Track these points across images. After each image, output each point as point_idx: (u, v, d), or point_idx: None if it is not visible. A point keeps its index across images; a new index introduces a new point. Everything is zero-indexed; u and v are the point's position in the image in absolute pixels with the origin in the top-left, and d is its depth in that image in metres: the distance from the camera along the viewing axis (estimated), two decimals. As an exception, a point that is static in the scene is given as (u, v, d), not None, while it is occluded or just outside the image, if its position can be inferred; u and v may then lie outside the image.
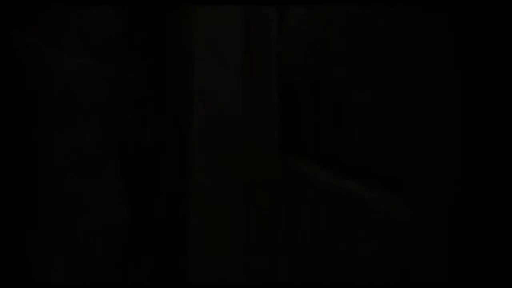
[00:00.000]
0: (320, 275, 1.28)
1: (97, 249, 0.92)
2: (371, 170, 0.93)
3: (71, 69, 0.89)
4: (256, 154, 1.33)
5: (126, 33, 1.32)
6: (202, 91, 1.39)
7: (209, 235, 1.38)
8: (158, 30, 1.62)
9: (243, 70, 1.36)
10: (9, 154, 0.78)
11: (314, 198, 1.31)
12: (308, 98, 1.30)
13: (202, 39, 1.39)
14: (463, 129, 0.33)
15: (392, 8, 0.56)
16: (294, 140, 1.36)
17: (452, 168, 0.34)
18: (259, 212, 1.32)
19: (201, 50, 1.39)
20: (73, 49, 0.98)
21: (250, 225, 1.35)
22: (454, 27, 0.32)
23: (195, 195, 1.38)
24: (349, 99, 1.16)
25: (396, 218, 0.57)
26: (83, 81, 0.94)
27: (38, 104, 0.85)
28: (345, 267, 1.26)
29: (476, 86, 0.33)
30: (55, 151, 0.86)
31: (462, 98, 0.34)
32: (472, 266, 0.34)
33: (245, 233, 1.36)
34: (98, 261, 0.92)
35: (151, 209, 1.02)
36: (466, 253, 0.34)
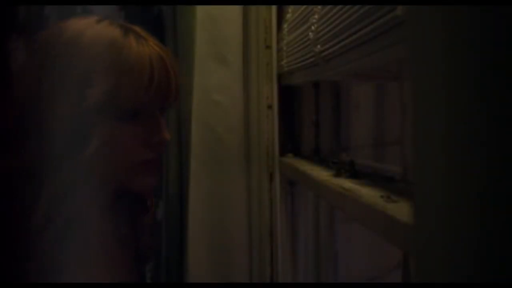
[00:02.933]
0: (321, 274, 1.28)
1: None
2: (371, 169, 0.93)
3: None
4: (256, 153, 1.34)
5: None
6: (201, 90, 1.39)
7: (207, 231, 1.38)
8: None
9: (243, 71, 1.36)
10: None
11: (314, 197, 1.31)
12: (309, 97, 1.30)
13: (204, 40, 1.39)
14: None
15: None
16: (294, 140, 1.36)
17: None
18: (260, 209, 1.32)
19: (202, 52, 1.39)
20: None
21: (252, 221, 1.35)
22: None
23: (192, 195, 1.38)
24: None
25: (398, 220, 0.57)
26: None
27: None
28: (345, 266, 1.26)
29: None
30: None
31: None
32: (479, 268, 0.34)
33: (247, 229, 1.37)
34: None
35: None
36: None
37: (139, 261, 0.93)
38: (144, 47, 0.79)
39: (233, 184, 1.37)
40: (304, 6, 1.05)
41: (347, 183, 0.81)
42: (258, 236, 1.33)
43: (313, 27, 0.96)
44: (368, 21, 0.69)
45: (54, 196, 0.75)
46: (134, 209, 0.90)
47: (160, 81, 0.78)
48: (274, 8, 1.31)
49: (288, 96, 1.34)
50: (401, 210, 0.59)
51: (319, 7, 0.94)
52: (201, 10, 1.37)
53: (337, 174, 0.91)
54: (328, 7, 0.87)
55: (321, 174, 0.94)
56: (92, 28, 0.78)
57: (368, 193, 0.71)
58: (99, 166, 0.77)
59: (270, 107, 1.29)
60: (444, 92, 0.35)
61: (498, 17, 0.31)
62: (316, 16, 0.95)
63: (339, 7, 0.81)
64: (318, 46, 0.93)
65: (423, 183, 0.39)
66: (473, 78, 0.33)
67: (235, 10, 1.37)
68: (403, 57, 0.64)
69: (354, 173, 0.89)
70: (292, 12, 1.19)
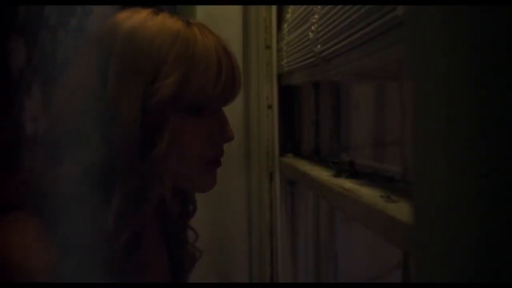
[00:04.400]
0: (321, 274, 1.28)
1: None
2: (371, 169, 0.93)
3: None
4: (256, 153, 1.33)
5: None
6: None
7: (207, 231, 1.38)
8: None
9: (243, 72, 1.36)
10: None
11: (314, 197, 1.31)
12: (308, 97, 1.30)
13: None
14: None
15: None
16: (293, 139, 1.36)
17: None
18: (260, 208, 1.32)
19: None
20: None
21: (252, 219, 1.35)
22: None
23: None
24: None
25: (398, 220, 0.57)
26: None
27: None
28: (345, 266, 1.26)
29: None
30: None
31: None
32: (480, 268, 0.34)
33: (247, 227, 1.37)
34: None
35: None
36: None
37: (182, 269, 0.89)
38: (208, 38, 0.75)
39: (233, 184, 1.37)
40: (304, 6, 1.05)
41: (347, 183, 0.81)
42: (258, 236, 1.33)
43: (313, 27, 0.96)
44: (368, 21, 0.69)
45: (123, 203, 0.71)
46: (182, 212, 0.86)
47: (227, 74, 0.75)
48: (274, 8, 1.31)
49: (288, 96, 1.34)
50: (401, 210, 0.59)
51: (319, 7, 0.94)
52: (201, 10, 1.37)
53: (337, 174, 0.91)
54: (328, 7, 0.87)
55: (321, 174, 0.94)
56: (152, 19, 0.75)
57: (368, 193, 0.71)
58: (169, 163, 0.73)
59: (270, 107, 1.29)
60: (444, 92, 0.35)
61: (498, 17, 0.31)
62: (316, 16, 0.95)
63: (339, 7, 0.81)
64: (318, 46, 0.93)
65: (423, 183, 0.39)
66: (473, 78, 0.33)
67: (235, 10, 1.37)
68: (403, 57, 0.64)
69: (354, 173, 0.89)
70: (292, 12, 1.19)
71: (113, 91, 0.71)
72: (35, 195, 0.72)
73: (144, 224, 0.75)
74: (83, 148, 0.71)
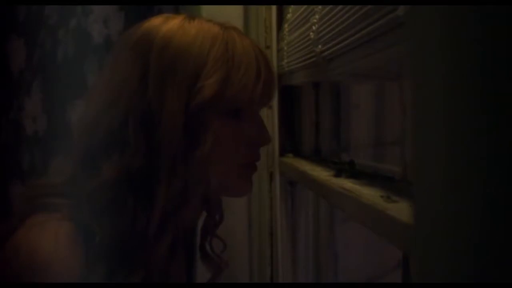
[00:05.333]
0: (321, 274, 1.28)
1: None
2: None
3: None
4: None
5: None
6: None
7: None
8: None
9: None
10: None
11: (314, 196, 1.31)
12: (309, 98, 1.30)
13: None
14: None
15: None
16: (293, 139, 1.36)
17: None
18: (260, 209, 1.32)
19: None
20: None
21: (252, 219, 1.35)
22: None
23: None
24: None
25: (398, 220, 0.57)
26: None
27: None
28: (345, 266, 1.26)
29: None
30: None
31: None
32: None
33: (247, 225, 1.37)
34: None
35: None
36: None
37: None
38: (246, 41, 0.75)
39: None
40: (305, 6, 1.05)
41: (347, 183, 0.81)
42: (258, 236, 1.33)
43: (314, 27, 0.96)
44: (369, 21, 0.69)
45: (166, 206, 0.70)
46: (209, 221, 0.84)
47: (265, 75, 0.75)
48: (274, 8, 1.31)
49: (288, 96, 1.34)
50: (401, 210, 0.59)
51: (320, 7, 0.94)
52: (200, 11, 1.37)
53: (337, 174, 0.91)
54: (329, 7, 0.87)
55: (321, 174, 0.94)
56: (190, 23, 0.74)
57: (368, 193, 0.71)
58: (210, 166, 0.72)
59: (270, 107, 1.29)
60: (444, 92, 0.35)
61: (498, 17, 0.31)
62: (317, 16, 0.95)
63: (340, 7, 0.81)
64: (319, 46, 0.93)
65: (423, 183, 0.39)
66: (473, 78, 0.33)
67: (235, 10, 1.37)
68: (403, 57, 0.64)
69: (354, 173, 0.89)
70: (292, 12, 1.19)
71: (154, 93, 0.70)
72: (70, 198, 0.71)
73: (184, 229, 0.74)
74: (124, 151, 0.70)
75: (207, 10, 1.37)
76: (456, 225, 0.34)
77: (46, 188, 0.74)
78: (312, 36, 0.97)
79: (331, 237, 1.25)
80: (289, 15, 1.22)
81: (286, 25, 1.24)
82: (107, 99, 0.73)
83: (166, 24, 0.74)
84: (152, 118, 0.70)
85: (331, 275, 1.24)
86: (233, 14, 1.36)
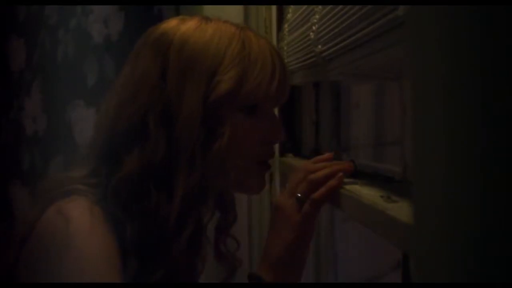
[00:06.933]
0: (321, 274, 1.28)
1: None
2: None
3: None
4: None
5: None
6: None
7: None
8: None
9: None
10: None
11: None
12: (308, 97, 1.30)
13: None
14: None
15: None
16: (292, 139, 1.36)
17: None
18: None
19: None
20: None
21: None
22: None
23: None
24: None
25: (398, 220, 0.57)
26: None
27: None
28: (345, 266, 1.26)
29: None
30: None
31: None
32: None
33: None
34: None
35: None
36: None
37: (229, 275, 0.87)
38: (262, 40, 0.78)
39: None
40: (305, 6, 1.05)
41: (347, 183, 0.81)
42: (258, 236, 1.33)
43: (314, 27, 0.96)
44: (369, 21, 0.69)
45: (185, 200, 0.71)
46: (224, 220, 0.84)
47: (280, 73, 0.77)
48: (274, 8, 1.31)
49: (288, 96, 1.34)
50: (401, 210, 0.59)
51: (320, 7, 0.94)
52: (200, 11, 1.37)
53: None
54: (329, 7, 0.87)
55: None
56: (207, 23, 0.77)
57: (368, 193, 0.71)
58: (227, 161, 0.73)
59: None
60: (444, 92, 0.35)
61: (498, 17, 0.31)
62: (317, 16, 0.95)
63: (340, 7, 0.81)
64: (319, 46, 0.93)
65: (423, 183, 0.39)
66: (473, 78, 0.33)
67: (235, 10, 1.37)
68: (403, 57, 0.64)
69: (354, 173, 0.89)
70: (292, 12, 1.19)
71: (173, 88, 0.73)
72: (95, 190, 0.73)
73: (202, 223, 0.76)
74: (145, 145, 0.72)
75: (207, 10, 1.37)
76: (456, 225, 0.34)
77: (67, 180, 0.75)
78: (312, 36, 0.97)
79: (331, 237, 1.25)
80: (289, 15, 1.22)
81: (286, 25, 1.24)
82: (127, 94, 0.75)
83: (184, 24, 0.78)
84: (171, 112, 0.72)
85: (331, 275, 1.24)
86: (233, 14, 1.36)
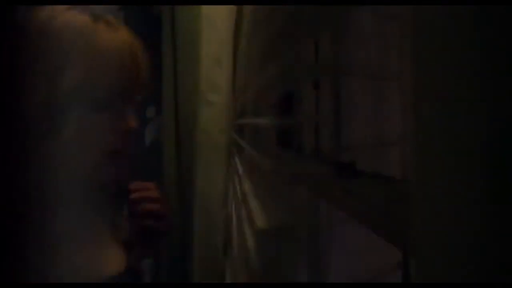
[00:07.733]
0: (320, 273, 1.28)
1: None
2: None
3: None
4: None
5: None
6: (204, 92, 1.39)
7: (206, 231, 1.38)
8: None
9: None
10: None
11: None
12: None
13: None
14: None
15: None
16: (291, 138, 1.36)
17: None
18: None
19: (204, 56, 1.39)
20: None
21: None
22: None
23: (193, 194, 1.38)
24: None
25: (398, 220, 0.57)
26: None
27: None
28: (344, 266, 1.26)
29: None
30: None
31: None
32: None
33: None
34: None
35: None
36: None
37: (137, 261, 0.91)
38: (114, 34, 0.78)
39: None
40: (304, 6, 1.05)
41: (347, 183, 0.81)
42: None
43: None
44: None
45: (36, 181, 0.74)
46: (118, 203, 0.88)
47: (130, 70, 0.78)
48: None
49: (288, 96, 1.34)
50: (401, 210, 0.59)
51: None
52: (199, 11, 1.37)
53: (337, 174, 0.91)
54: (328, 7, 0.87)
55: (321, 174, 0.94)
56: (62, 15, 0.77)
57: (368, 193, 0.71)
58: (74, 153, 0.76)
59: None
60: (445, 92, 0.35)
61: (498, 17, 0.31)
62: (316, 16, 0.95)
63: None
64: (318, 46, 0.93)
65: (423, 183, 0.39)
66: (474, 78, 0.33)
67: (234, 10, 1.37)
68: (404, 57, 0.64)
69: (354, 173, 0.88)
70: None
71: (21, 79, 0.76)
72: None
73: None
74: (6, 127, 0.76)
75: (205, 10, 1.36)
76: (456, 225, 0.34)
77: None
78: (312, 36, 0.97)
79: (330, 237, 1.24)
80: (289, 15, 1.22)
81: (286, 25, 1.24)
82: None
83: (40, 14, 0.78)
84: (18, 105, 0.76)
85: (331, 275, 1.24)
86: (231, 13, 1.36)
